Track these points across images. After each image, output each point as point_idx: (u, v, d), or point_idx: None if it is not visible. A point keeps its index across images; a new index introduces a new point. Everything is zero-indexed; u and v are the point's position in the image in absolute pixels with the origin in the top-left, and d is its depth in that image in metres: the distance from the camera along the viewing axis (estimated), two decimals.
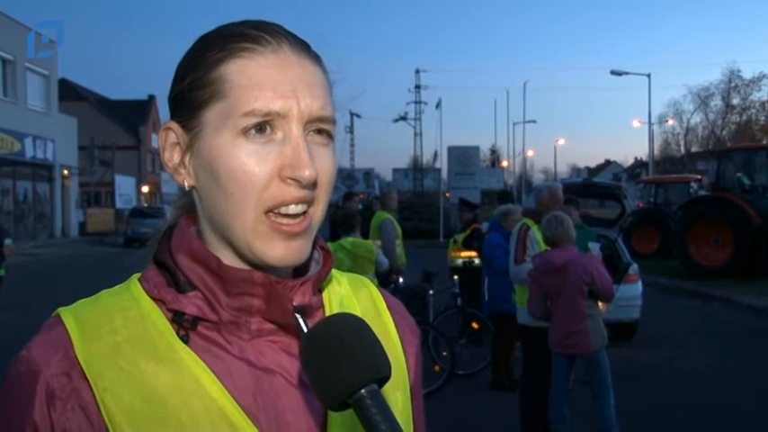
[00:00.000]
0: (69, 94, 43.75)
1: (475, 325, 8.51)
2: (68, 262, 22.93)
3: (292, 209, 0.82)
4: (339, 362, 0.72)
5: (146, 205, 40.22)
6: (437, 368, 7.48)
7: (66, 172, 34.95)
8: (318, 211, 0.86)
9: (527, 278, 5.68)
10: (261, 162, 0.81)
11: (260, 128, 0.82)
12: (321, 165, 0.83)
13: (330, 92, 0.88)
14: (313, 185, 0.83)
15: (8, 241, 12.54)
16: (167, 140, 0.89)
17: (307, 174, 0.80)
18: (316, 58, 0.88)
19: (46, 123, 32.30)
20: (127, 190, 46.72)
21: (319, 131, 0.85)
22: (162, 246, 0.90)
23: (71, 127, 36.01)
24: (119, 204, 42.64)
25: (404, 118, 59.79)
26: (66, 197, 35.07)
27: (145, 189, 51.63)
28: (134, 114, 54.10)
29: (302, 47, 0.87)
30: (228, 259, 0.86)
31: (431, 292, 8.50)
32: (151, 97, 57.04)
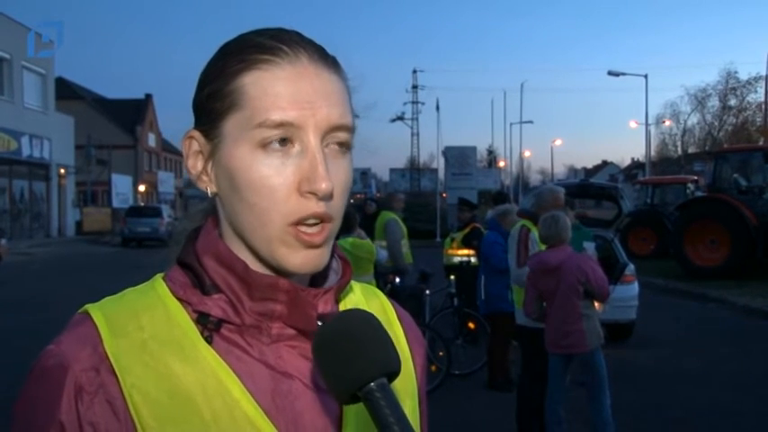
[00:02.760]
0: (66, 92, 43.68)
1: (471, 325, 8.52)
2: (65, 261, 22.87)
3: (311, 222, 0.84)
4: (349, 355, 0.74)
5: (142, 204, 40.15)
6: (433, 368, 7.48)
7: (62, 171, 34.91)
8: (336, 222, 0.87)
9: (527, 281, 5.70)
10: (279, 175, 0.83)
11: (280, 141, 0.83)
12: (337, 177, 0.85)
13: (349, 99, 0.89)
14: (330, 196, 0.84)
15: (2, 241, 12.57)
16: (190, 148, 0.91)
17: (323, 187, 0.82)
18: (334, 66, 0.89)
19: (43, 122, 32.26)
20: (123, 189, 46.66)
21: (338, 141, 0.86)
22: (187, 247, 0.92)
23: (68, 126, 35.95)
24: (115, 203, 42.57)
25: (401, 118, 59.91)
26: (62, 196, 35.02)
27: (141, 188, 51.59)
28: (131, 113, 54.06)
29: (320, 55, 0.87)
30: (249, 262, 0.88)
31: (427, 292, 8.50)
32: (148, 96, 57.07)
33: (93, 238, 34.20)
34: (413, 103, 60.67)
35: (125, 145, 51.46)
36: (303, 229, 0.84)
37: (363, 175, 53.15)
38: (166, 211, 32.43)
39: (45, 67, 32.39)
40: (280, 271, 0.87)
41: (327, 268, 0.94)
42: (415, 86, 59.99)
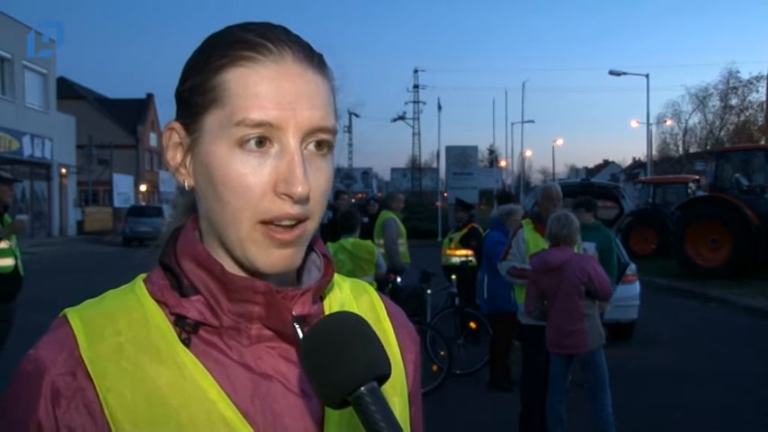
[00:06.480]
0: (67, 92, 43.66)
1: (473, 324, 8.53)
2: (67, 261, 22.90)
3: (285, 222, 0.83)
4: (339, 359, 0.72)
5: (144, 204, 40.15)
6: (435, 368, 7.49)
7: (64, 171, 34.91)
8: (312, 223, 0.86)
9: (506, 275, 5.97)
10: (255, 175, 0.82)
11: (259, 141, 0.82)
12: (316, 179, 0.84)
13: (333, 100, 0.88)
14: (307, 199, 0.83)
15: (24, 217, 12.52)
16: (170, 140, 0.89)
17: (299, 190, 0.81)
18: (320, 66, 0.87)
19: (44, 122, 32.26)
20: (125, 189, 46.64)
21: (319, 143, 0.85)
22: (168, 248, 0.91)
23: (69, 126, 35.94)
24: (117, 203, 42.58)
25: (402, 117, 59.87)
26: (63, 196, 35.03)
27: (143, 188, 51.57)
28: (132, 113, 54.04)
29: (306, 54, 0.86)
30: (225, 261, 0.87)
31: (429, 291, 8.51)
32: (149, 96, 56.99)
33: (95, 238, 34.23)
34: (414, 102, 60.65)
35: (126, 145, 51.45)
36: (274, 228, 0.83)
37: (365, 175, 53.15)
38: (168, 210, 32.37)
39: (46, 66, 32.38)
40: (254, 272, 0.86)
41: (310, 264, 0.93)
42: (416, 86, 59.96)
